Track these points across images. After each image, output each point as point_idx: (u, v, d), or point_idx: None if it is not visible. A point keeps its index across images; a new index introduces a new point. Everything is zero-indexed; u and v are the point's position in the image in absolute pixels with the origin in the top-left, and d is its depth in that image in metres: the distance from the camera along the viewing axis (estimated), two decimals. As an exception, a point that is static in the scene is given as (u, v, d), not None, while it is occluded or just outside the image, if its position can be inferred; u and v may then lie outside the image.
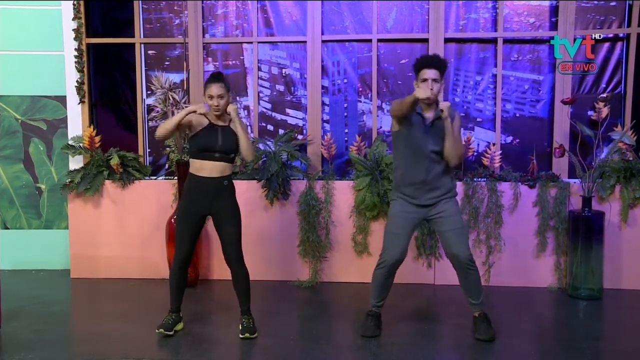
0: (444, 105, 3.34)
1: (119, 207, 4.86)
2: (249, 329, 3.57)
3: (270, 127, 5.08)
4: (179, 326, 3.68)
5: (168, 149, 4.76)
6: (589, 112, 4.78)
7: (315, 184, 4.72)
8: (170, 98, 4.60)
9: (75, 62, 4.90)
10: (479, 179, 4.67)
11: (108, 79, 5.14)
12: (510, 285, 4.61)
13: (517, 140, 4.92)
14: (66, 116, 5.02)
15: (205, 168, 3.50)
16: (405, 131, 3.44)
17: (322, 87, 4.96)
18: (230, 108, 3.52)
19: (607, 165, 4.51)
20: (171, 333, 3.58)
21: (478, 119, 4.93)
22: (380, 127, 4.99)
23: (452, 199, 3.51)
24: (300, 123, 5.05)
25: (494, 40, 4.85)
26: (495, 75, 4.86)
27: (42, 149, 5.12)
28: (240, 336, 3.55)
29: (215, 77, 3.55)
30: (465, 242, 3.50)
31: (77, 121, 4.97)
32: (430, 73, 3.34)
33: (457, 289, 4.43)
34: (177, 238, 3.59)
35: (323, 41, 4.92)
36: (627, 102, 4.73)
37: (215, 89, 3.48)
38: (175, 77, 4.94)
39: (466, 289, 3.57)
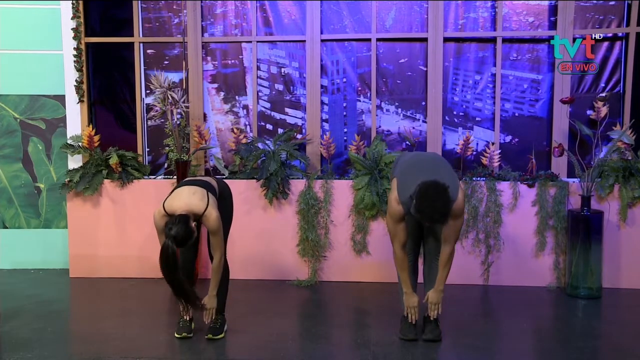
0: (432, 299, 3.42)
1: (118, 206, 4.86)
2: (213, 330, 3.53)
3: (269, 126, 5.08)
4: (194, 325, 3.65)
5: (167, 148, 4.75)
6: (588, 112, 4.78)
7: (314, 183, 4.72)
8: (169, 97, 4.59)
9: (74, 61, 4.89)
10: (478, 178, 4.67)
11: (107, 78, 5.13)
12: (509, 285, 4.61)
13: (516, 140, 4.92)
14: (65, 115, 5.02)
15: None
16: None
17: (321, 86, 4.96)
18: (207, 301, 3.44)
19: (606, 164, 4.51)
20: (191, 335, 3.56)
21: (477, 118, 4.93)
22: (379, 127, 4.99)
23: None
24: (300, 122, 5.04)
25: (493, 40, 4.85)
26: (494, 75, 4.86)
27: (41, 148, 5.12)
28: (205, 337, 3.52)
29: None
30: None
31: (76, 120, 4.96)
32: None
33: (456, 288, 4.47)
34: None
35: (322, 40, 4.92)
36: (626, 102, 4.73)
37: None
38: (174, 76, 4.94)
39: (428, 280, 3.57)
